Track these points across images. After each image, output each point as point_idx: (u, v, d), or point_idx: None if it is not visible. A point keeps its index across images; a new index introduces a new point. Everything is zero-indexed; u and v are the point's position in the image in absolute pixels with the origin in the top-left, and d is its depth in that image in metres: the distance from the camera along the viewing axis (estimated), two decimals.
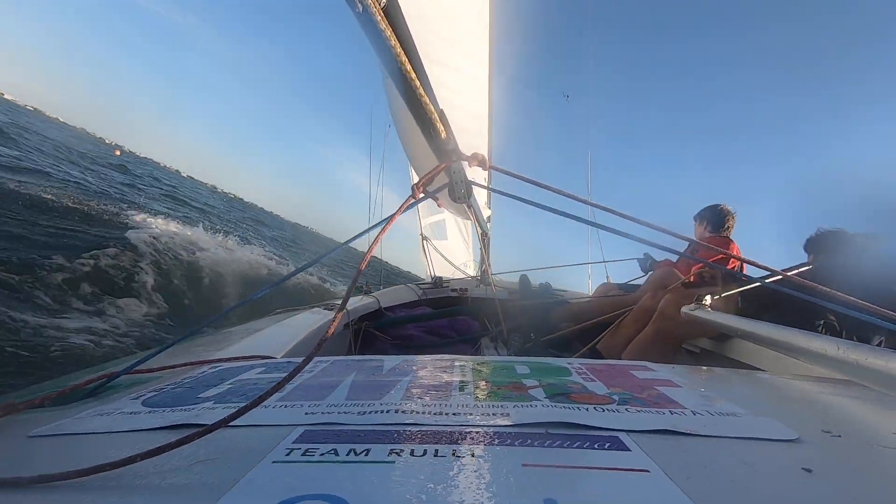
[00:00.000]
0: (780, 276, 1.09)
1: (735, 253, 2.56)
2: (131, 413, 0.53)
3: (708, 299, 1.53)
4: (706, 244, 2.09)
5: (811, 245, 1.91)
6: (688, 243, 1.68)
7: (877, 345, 1.47)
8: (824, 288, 0.88)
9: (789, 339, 1.02)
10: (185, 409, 0.53)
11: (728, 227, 2.72)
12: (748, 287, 1.57)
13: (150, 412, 0.53)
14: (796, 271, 1.43)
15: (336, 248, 1.11)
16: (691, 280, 1.91)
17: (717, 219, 2.73)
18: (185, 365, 0.80)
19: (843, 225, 1.86)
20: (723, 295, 1.58)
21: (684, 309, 1.57)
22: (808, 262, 1.60)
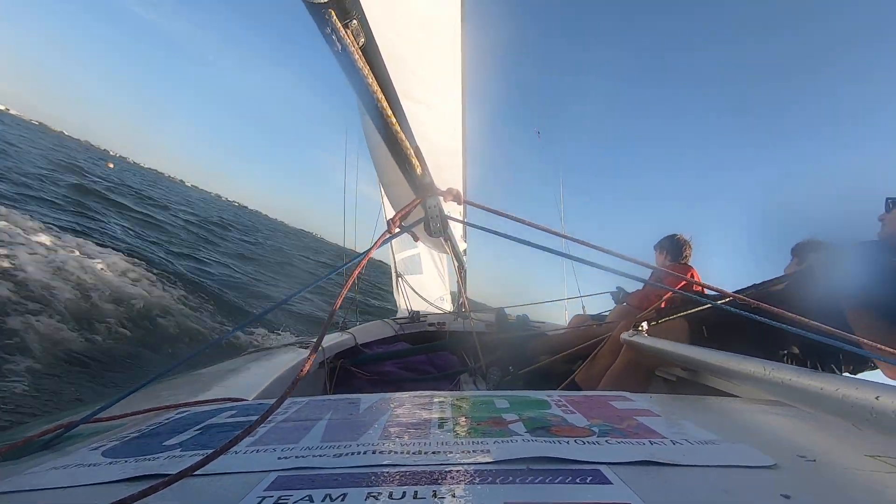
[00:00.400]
0: (730, 298, 1.11)
1: (696, 279, 2.65)
2: (90, 465, 0.50)
3: (644, 325, 1.55)
4: (669, 271, 2.16)
5: (797, 249, 1.96)
6: (651, 271, 1.72)
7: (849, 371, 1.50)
8: (776, 309, 0.88)
9: (721, 362, 1.02)
10: (148, 459, 0.50)
11: (686, 255, 2.84)
12: (694, 311, 1.59)
13: (110, 463, 0.50)
14: (748, 292, 1.46)
15: (302, 290, 1.09)
16: (663, 306, 1.95)
17: (675, 248, 2.85)
18: (150, 410, 0.76)
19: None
20: (660, 321, 1.61)
21: (623, 335, 1.59)
22: (774, 281, 1.59)
